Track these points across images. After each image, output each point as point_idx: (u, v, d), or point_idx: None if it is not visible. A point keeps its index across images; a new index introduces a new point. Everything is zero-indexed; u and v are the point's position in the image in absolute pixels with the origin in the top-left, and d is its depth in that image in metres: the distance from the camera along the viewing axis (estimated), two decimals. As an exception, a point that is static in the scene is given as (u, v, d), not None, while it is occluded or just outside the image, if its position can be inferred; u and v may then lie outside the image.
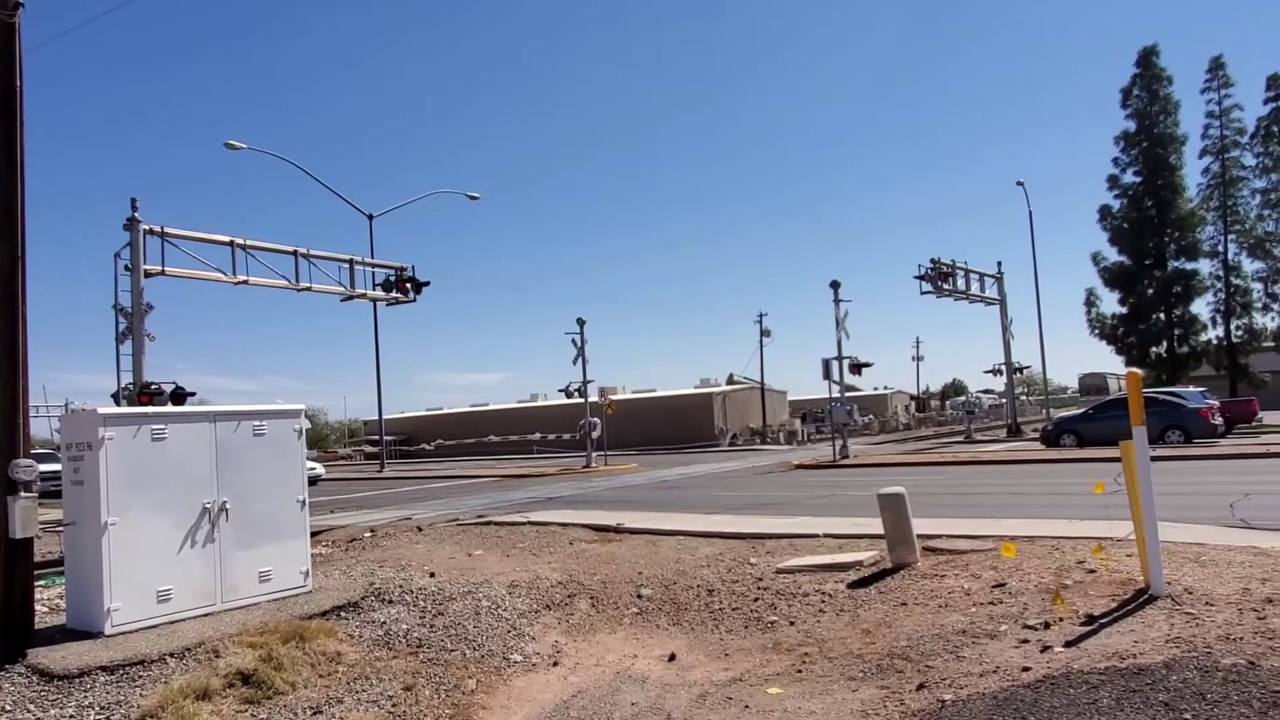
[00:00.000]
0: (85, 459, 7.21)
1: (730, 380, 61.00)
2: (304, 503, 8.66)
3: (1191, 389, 26.83)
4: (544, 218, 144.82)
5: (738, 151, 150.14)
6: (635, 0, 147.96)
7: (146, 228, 15.53)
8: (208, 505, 7.77)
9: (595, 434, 32.27)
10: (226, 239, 17.21)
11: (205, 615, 7.59)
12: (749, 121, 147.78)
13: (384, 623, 7.70)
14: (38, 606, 7.65)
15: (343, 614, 7.84)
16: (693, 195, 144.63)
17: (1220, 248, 40.58)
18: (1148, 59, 40.41)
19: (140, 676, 6.23)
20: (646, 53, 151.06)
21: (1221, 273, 40.47)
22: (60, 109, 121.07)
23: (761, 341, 58.50)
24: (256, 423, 8.26)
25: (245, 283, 17.44)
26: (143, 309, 15.16)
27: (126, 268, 15.30)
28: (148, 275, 15.47)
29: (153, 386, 14.01)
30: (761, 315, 59.36)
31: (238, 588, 7.96)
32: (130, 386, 14.72)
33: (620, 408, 37.13)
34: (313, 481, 31.84)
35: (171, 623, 7.33)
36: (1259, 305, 40.41)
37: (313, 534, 10.59)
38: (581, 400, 32.60)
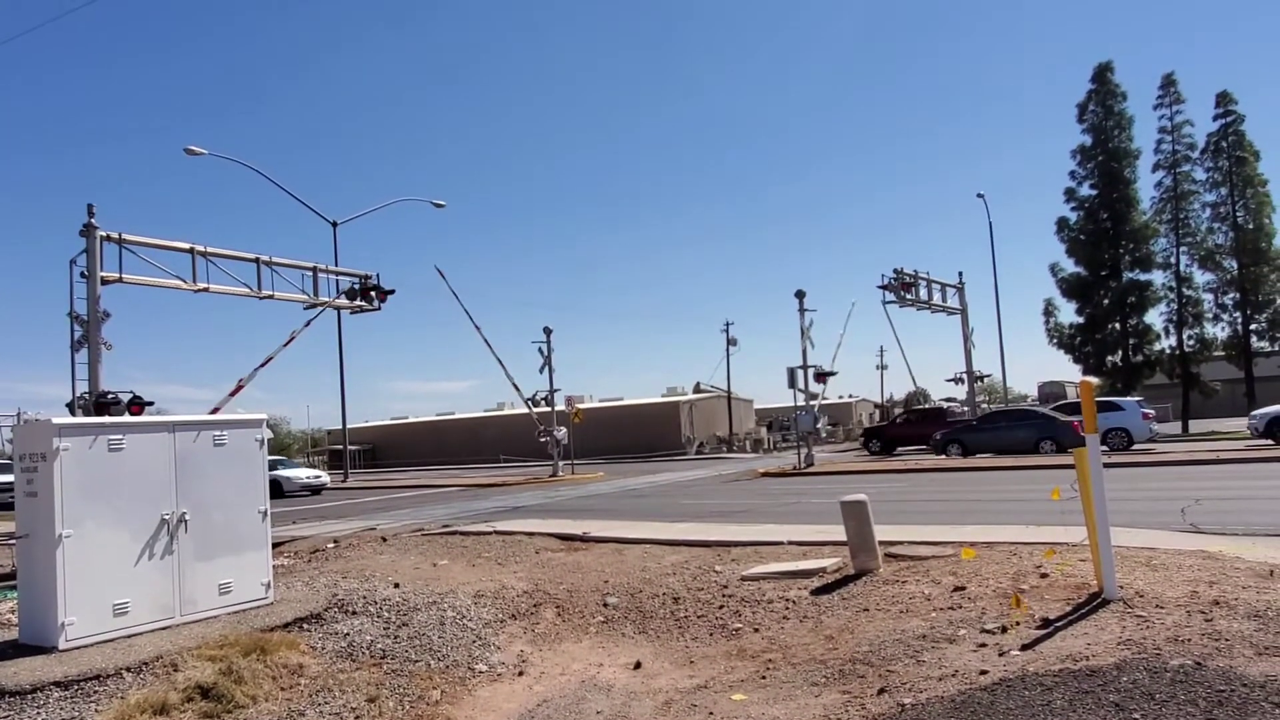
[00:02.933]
0: (39, 470, 7.06)
1: (697, 389, 61.21)
2: (265, 513, 8.55)
3: (1129, 399, 27.79)
4: (509, 226, 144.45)
5: (702, 160, 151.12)
6: (599, 7, 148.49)
7: (104, 234, 15.22)
8: (166, 517, 7.64)
9: (561, 439, 32.22)
10: (186, 246, 16.91)
11: (163, 628, 7.46)
12: (712, 130, 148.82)
13: (347, 634, 7.63)
14: (-12, 621, 7.47)
15: (305, 626, 7.75)
16: (659, 203, 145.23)
17: (1173, 259, 41.66)
18: (1103, 75, 41.45)
19: (95, 692, 6.10)
20: (610, 60, 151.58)
21: (1174, 284, 41.53)
22: (15, 112, 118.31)
23: (728, 350, 58.85)
24: (217, 433, 8.15)
25: (206, 290, 17.14)
26: (99, 317, 14.84)
27: (83, 274, 14.97)
28: (105, 282, 15.16)
29: (109, 396, 13.71)
30: (728, 324, 59.67)
31: (197, 600, 7.83)
32: (86, 396, 14.40)
33: (587, 416, 37.07)
34: (317, 490, 31.00)
35: (128, 636, 7.20)
36: (1210, 316, 41.51)
37: (275, 545, 10.45)
38: (548, 409, 32.51)
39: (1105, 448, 23.86)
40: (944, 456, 26.59)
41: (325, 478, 33.51)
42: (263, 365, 16.34)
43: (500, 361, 31.74)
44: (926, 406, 37.42)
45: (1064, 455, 23.39)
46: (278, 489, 30.52)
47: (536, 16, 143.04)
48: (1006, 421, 27.05)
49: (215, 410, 15.71)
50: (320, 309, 18.46)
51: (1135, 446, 24.86)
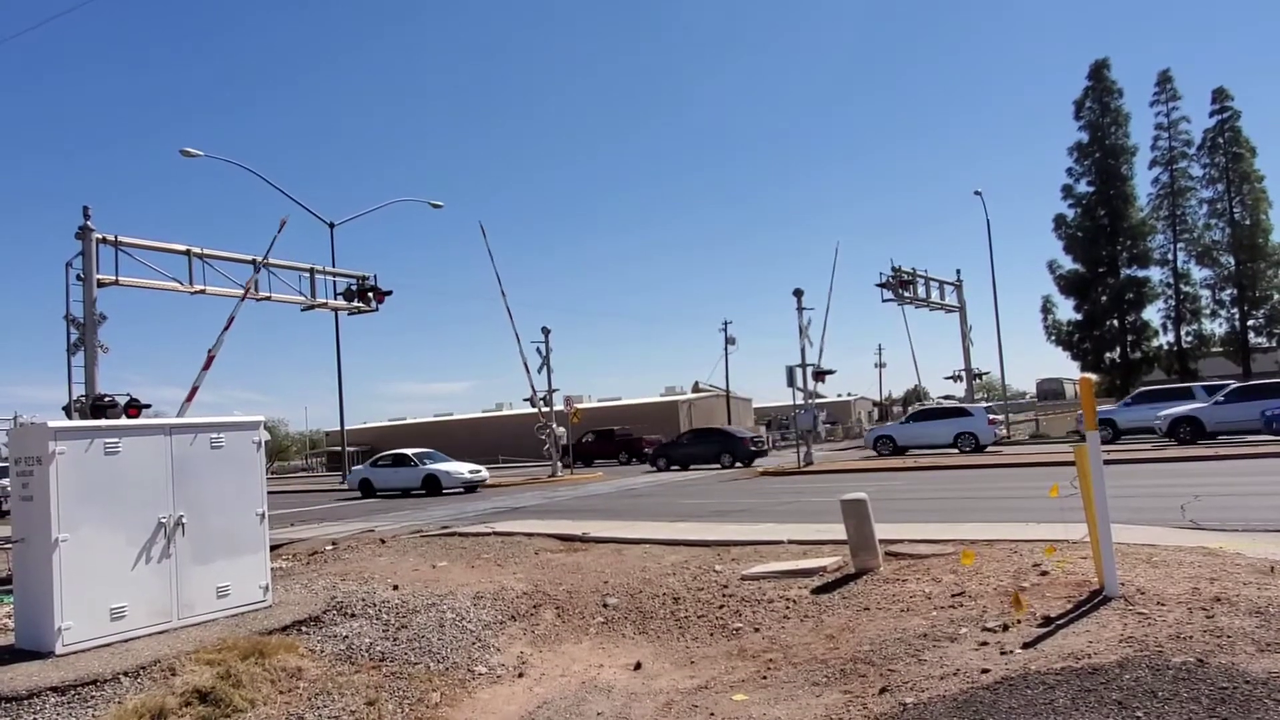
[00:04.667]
0: (35, 474, 7.02)
1: (696, 388, 61.19)
2: (263, 516, 8.52)
3: (978, 405, 30.75)
4: (507, 227, 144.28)
5: (700, 161, 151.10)
6: (597, 10, 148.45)
7: (100, 236, 15.15)
8: (163, 520, 7.60)
9: (560, 438, 32.18)
10: (183, 248, 16.86)
11: (161, 632, 7.43)
12: (711, 132, 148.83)
13: (346, 637, 7.60)
14: (-15, 626, 7.43)
15: (304, 629, 7.72)
16: (657, 204, 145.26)
17: (1170, 256, 41.71)
18: (1099, 72, 41.48)
19: (93, 697, 6.07)
20: (608, 63, 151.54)
21: (1172, 280, 41.58)
22: (11, 114, 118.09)
23: (726, 349, 58.86)
24: (214, 435, 8.12)
25: (203, 292, 17.07)
26: (95, 320, 14.79)
27: (79, 277, 14.91)
28: (101, 285, 15.10)
29: (106, 399, 13.65)
30: (726, 323, 59.69)
31: (195, 604, 7.80)
32: (83, 399, 14.34)
33: (587, 416, 37.04)
34: (474, 487, 27.90)
35: (125, 641, 7.16)
36: (1207, 312, 41.59)
37: (273, 547, 10.42)
38: (548, 409, 32.47)
39: (955, 449, 27.64)
40: (655, 468, 32.50)
41: (484, 473, 29.15)
42: (226, 329, 16.16)
43: (517, 336, 31.53)
44: (603, 429, 45.33)
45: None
46: (435, 485, 27.49)
47: (538, 20, 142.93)
48: (695, 439, 33.27)
49: (194, 390, 15.48)
50: (282, 227, 17.93)
51: (989, 448, 27.84)
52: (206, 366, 15.68)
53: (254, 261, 18.11)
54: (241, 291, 17.60)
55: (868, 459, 29.03)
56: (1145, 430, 25.78)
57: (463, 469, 28.39)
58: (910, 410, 35.34)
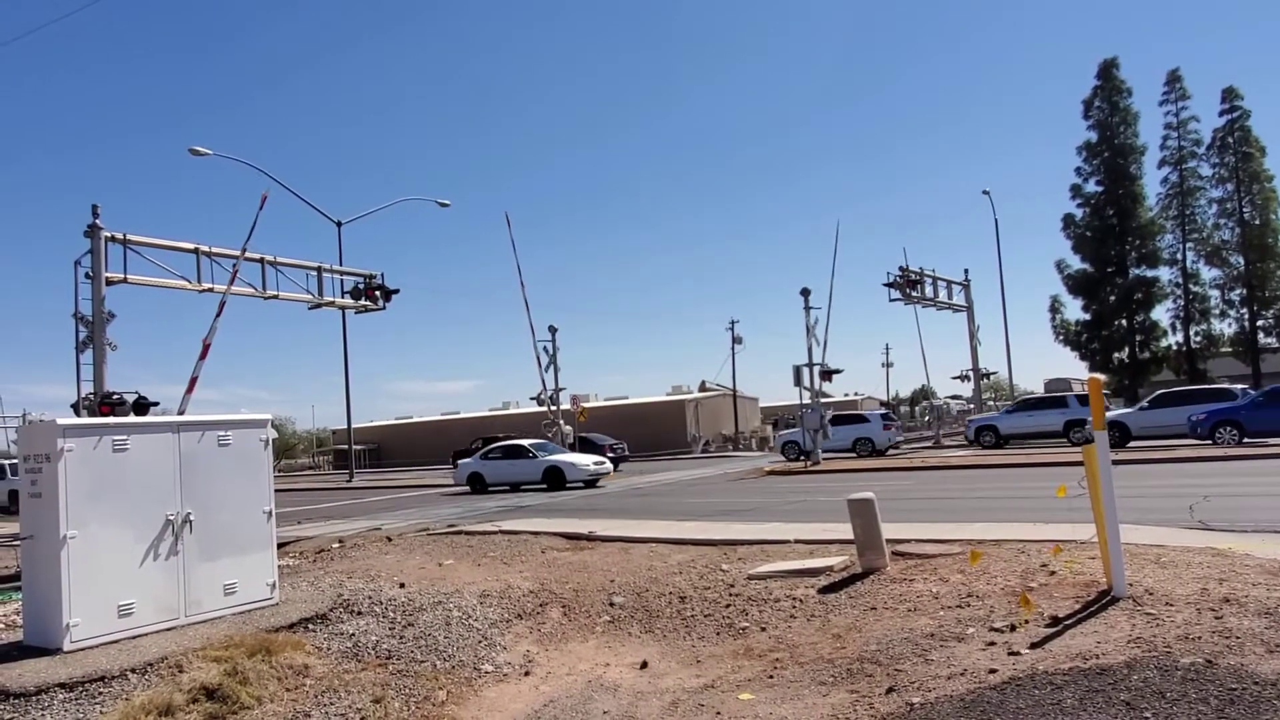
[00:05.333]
0: (44, 471, 7.05)
1: (702, 387, 61.17)
2: (270, 513, 8.54)
3: (874, 412, 34.04)
4: (514, 225, 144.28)
5: (707, 159, 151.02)
6: (597, 10, 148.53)
7: (108, 235, 15.24)
8: (171, 517, 7.63)
9: (567, 437, 32.20)
10: (191, 246, 16.96)
11: (168, 629, 7.45)
12: (712, 131, 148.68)
13: (353, 634, 7.61)
14: (-6, 623, 7.46)
15: (310, 626, 7.73)
16: (664, 203, 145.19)
17: (1179, 255, 41.52)
18: (1108, 71, 41.32)
19: (100, 693, 6.09)
20: (615, 62, 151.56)
21: (1180, 280, 41.39)
22: (19, 113, 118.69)
23: (733, 348, 58.81)
24: (221, 433, 8.14)
25: (210, 290, 17.16)
26: (104, 318, 14.86)
27: (87, 275, 15.00)
28: (109, 283, 15.18)
29: (114, 396, 13.71)
30: (733, 322, 59.61)
31: (202, 601, 7.82)
32: (91, 396, 14.42)
33: (593, 415, 37.10)
34: (594, 481, 25.82)
35: (133, 638, 7.19)
36: (1216, 312, 41.38)
37: (280, 545, 10.44)
38: (554, 408, 32.49)
39: (854, 454, 29.53)
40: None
41: (608, 465, 26.97)
42: (218, 315, 16.20)
43: (532, 329, 31.66)
44: (490, 436, 42.12)
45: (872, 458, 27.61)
46: (557, 478, 24.80)
47: (538, 20, 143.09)
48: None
49: (193, 381, 15.54)
50: (262, 207, 17.75)
51: (890, 452, 30.51)
52: (203, 356, 15.73)
53: (261, 260, 18.18)
54: (243, 287, 17.67)
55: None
56: (1035, 435, 28.83)
57: (587, 461, 25.79)
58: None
